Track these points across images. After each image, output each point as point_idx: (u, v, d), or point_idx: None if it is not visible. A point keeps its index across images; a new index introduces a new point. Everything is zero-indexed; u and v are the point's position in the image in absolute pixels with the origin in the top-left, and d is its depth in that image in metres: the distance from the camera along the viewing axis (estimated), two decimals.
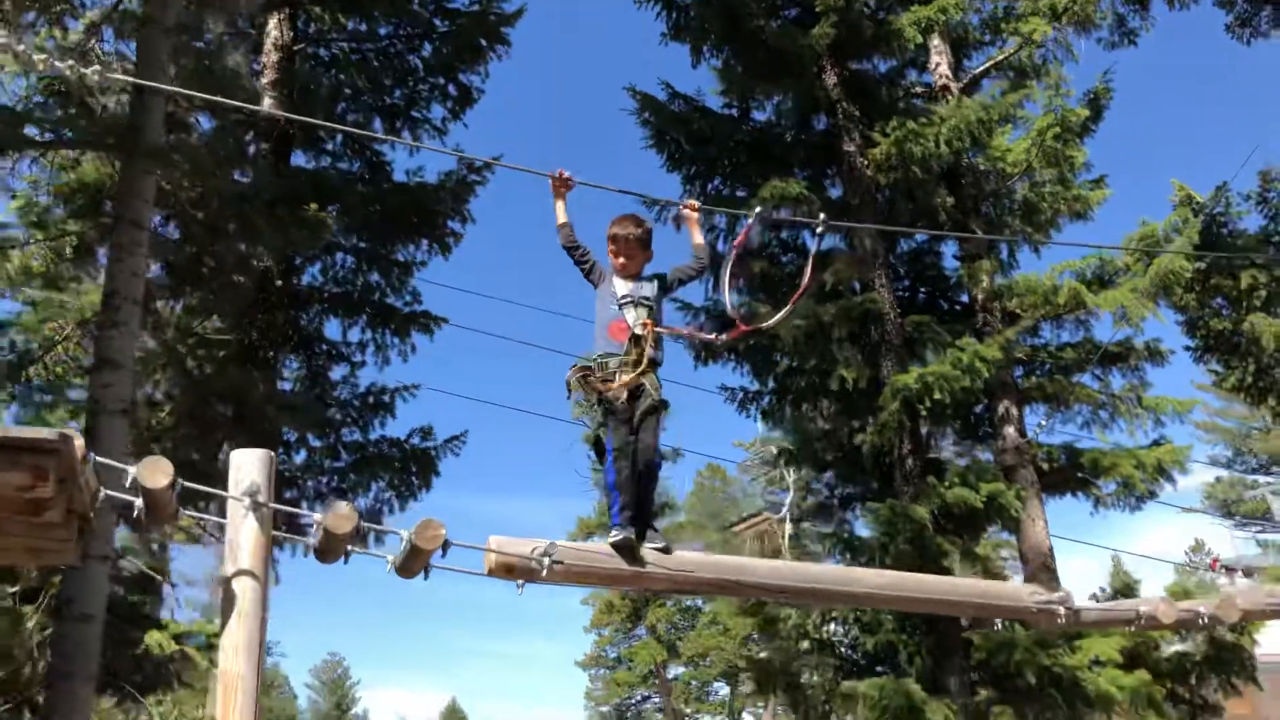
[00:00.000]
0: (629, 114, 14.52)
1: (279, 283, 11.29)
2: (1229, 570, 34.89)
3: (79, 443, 4.44)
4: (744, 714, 50.17)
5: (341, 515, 4.86)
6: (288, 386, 12.09)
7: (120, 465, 4.64)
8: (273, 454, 5.14)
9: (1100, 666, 12.26)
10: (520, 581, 5.34)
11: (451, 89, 12.34)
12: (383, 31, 12.26)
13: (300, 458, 11.72)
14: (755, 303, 12.84)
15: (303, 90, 11.96)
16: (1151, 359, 14.92)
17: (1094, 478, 14.18)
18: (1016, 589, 5.85)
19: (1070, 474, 14.29)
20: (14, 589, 8.69)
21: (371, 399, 12.23)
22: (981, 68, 15.96)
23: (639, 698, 53.53)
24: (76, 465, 4.37)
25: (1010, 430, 13.98)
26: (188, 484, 4.68)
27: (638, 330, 5.71)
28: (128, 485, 4.73)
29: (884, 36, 13.52)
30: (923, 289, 14.91)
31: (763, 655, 12.27)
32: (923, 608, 6.62)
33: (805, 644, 12.34)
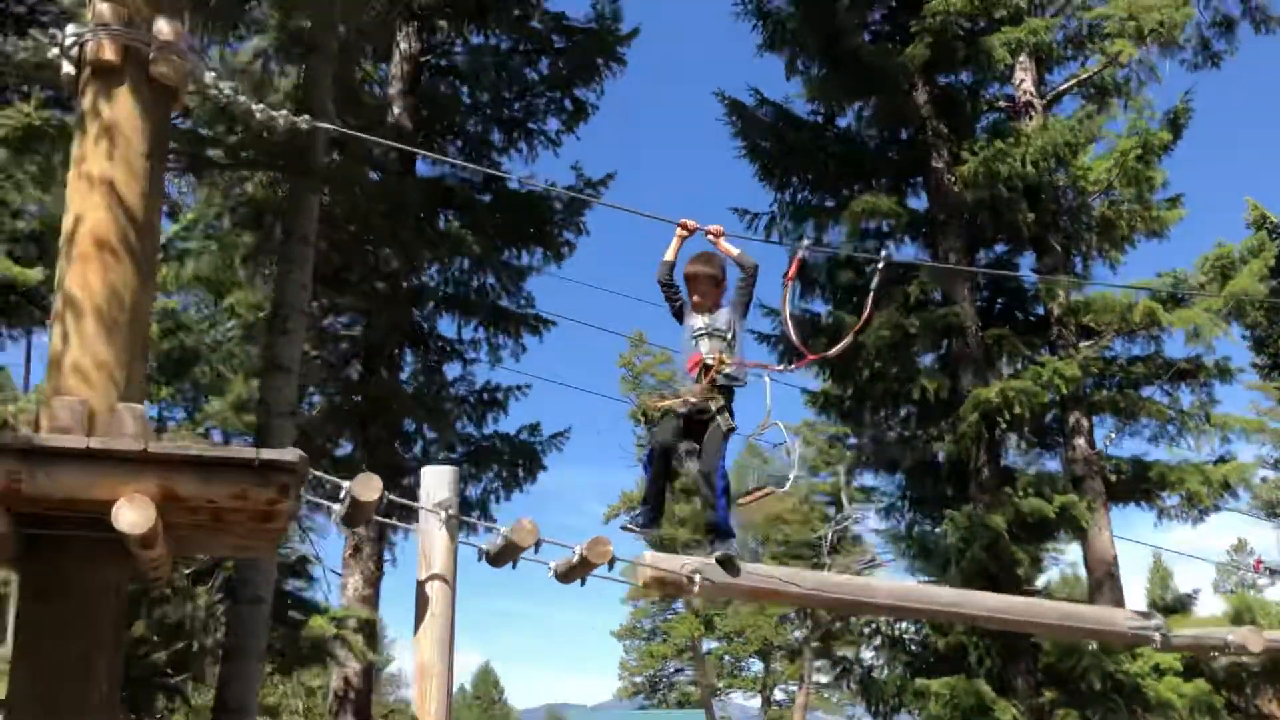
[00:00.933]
0: (720, 121, 15.01)
1: (404, 284, 11.89)
2: (1273, 572, 34.87)
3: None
4: (776, 690, 50.62)
5: (525, 530, 5.43)
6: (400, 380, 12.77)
7: (337, 480, 5.27)
8: (458, 470, 5.73)
9: (1160, 674, 12.67)
10: (667, 595, 5.91)
11: (567, 103, 12.87)
12: (504, 46, 12.76)
13: (416, 448, 12.38)
14: (841, 314, 13.29)
15: (429, 100, 12.55)
16: (1220, 377, 15.16)
17: (1159, 490, 14.54)
18: (1113, 613, 6.31)
19: (1135, 485, 14.63)
20: (187, 571, 9.38)
21: (486, 396, 12.85)
22: (1065, 85, 16.18)
23: (672, 670, 54.11)
24: (306, 480, 5.00)
25: (1080, 441, 14.35)
26: (392, 498, 5.29)
27: (708, 361, 6.07)
28: (342, 496, 5.38)
29: (974, 56, 13.84)
30: (1000, 300, 15.22)
31: (839, 650, 12.76)
32: (1033, 630, 7.09)
33: (878, 640, 12.84)
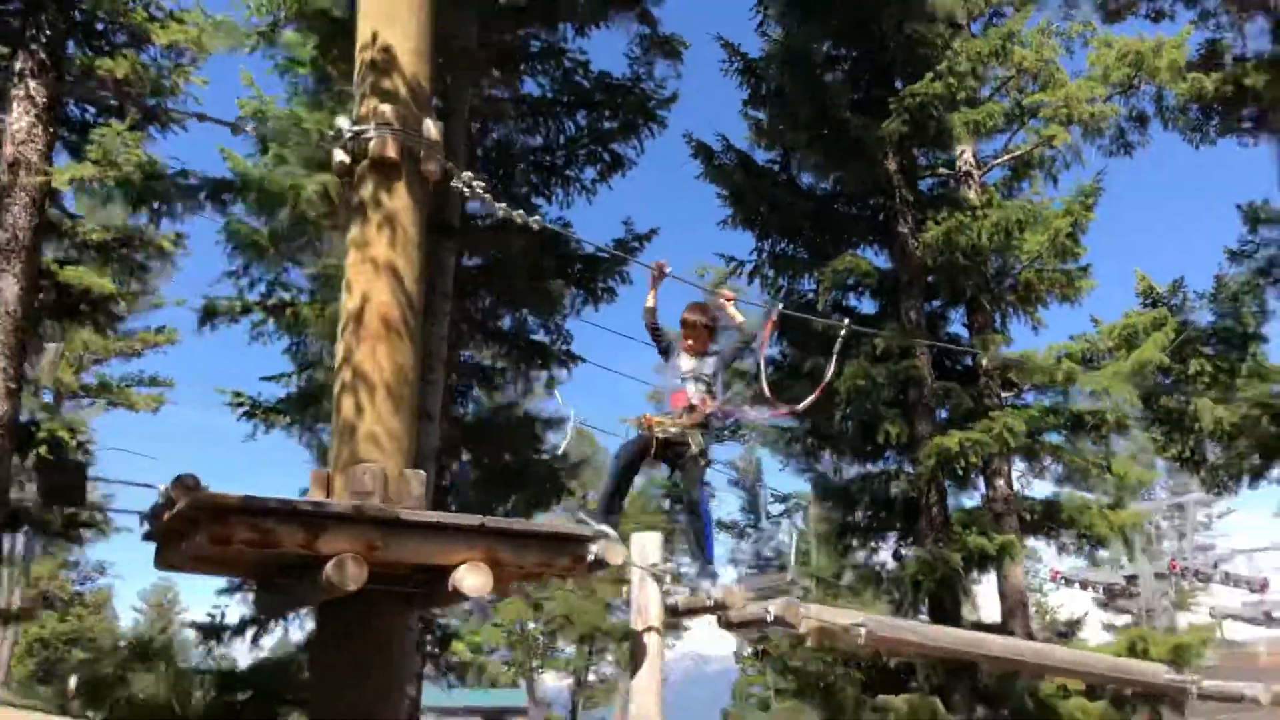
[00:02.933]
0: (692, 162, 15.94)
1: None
2: (1068, 581, 38.05)
3: None
4: (589, 673, 51.69)
5: (736, 595, 6.24)
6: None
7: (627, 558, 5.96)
8: (662, 536, 6.51)
9: (1066, 694, 14.24)
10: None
11: (605, 155, 13.47)
12: (549, 96, 13.24)
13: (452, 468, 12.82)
14: (819, 360, 14.34)
15: (482, 145, 12.98)
16: (1118, 429, 17.02)
17: (1064, 528, 16.24)
18: (1155, 668, 7.51)
19: (1044, 524, 16.31)
20: None
21: (523, 426, 13.33)
22: (999, 159, 17.80)
23: (488, 649, 54.61)
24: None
25: (1000, 483, 15.90)
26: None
27: (694, 401, 7.02)
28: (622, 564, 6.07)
29: (940, 133, 15.15)
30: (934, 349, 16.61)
31: (803, 666, 13.84)
32: (1086, 679, 8.25)
33: (830, 657, 13.97)
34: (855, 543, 16.00)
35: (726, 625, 6.71)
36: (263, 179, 9.51)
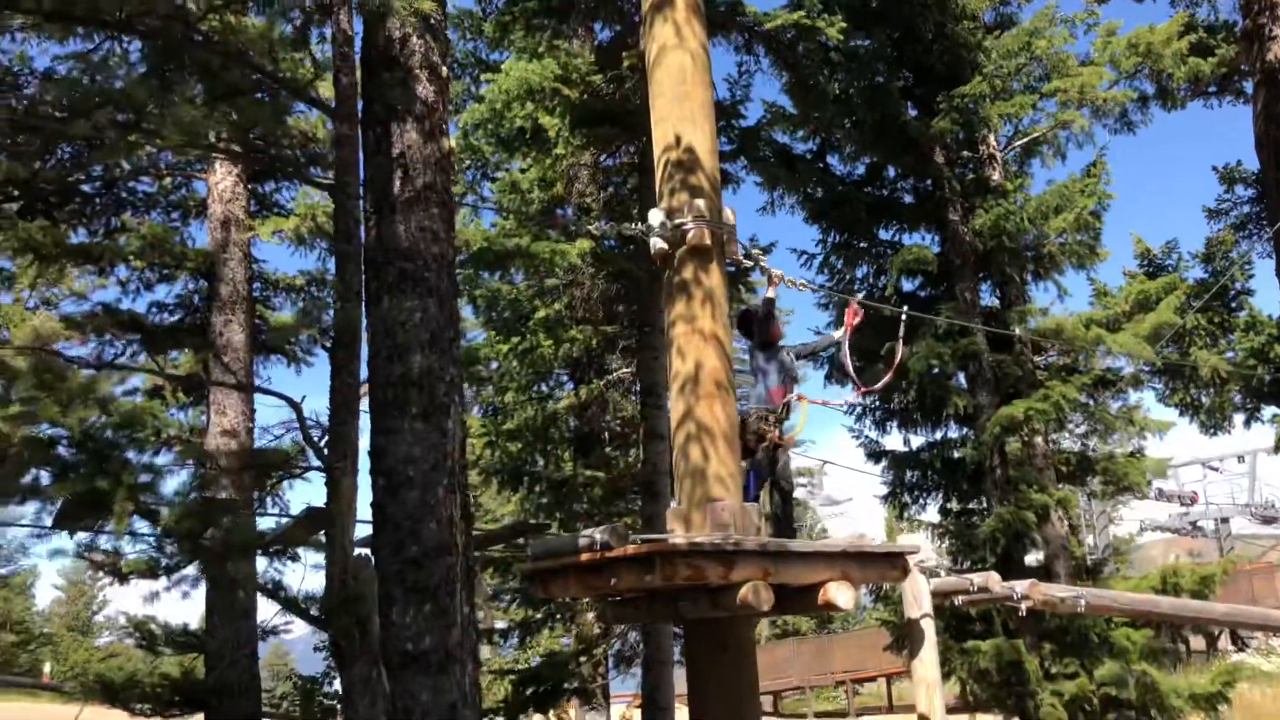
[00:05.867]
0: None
1: None
2: None
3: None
4: None
5: (994, 578, 7.58)
6: None
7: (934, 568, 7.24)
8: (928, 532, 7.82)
9: (1110, 625, 15.94)
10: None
11: None
12: None
13: None
14: (892, 343, 15.67)
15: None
16: (1134, 385, 18.75)
17: (1095, 477, 17.93)
18: None
19: (1078, 473, 17.98)
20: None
21: None
22: (1019, 142, 19.20)
23: None
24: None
25: (1039, 440, 17.50)
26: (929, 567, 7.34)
27: (792, 400, 8.02)
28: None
29: (980, 125, 16.52)
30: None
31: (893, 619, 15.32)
32: (1246, 628, 9.79)
33: None
34: (908, 499, 17.46)
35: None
36: (529, 248, 10.59)
